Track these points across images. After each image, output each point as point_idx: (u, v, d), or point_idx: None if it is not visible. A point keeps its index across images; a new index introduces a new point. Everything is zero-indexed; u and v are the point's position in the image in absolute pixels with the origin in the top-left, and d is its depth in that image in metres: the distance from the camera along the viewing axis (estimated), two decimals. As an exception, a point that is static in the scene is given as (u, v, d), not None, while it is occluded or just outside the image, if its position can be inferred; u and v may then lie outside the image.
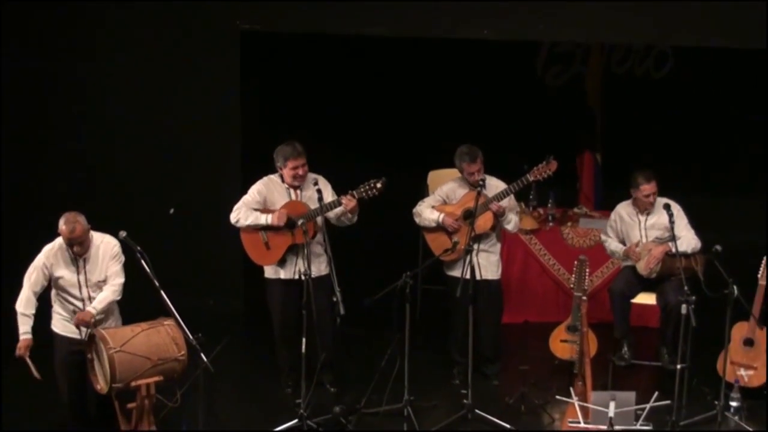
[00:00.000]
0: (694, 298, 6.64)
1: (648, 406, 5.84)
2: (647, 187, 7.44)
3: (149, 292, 6.16)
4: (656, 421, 6.39)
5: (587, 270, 6.97)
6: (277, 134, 7.35)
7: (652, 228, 7.53)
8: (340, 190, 6.99)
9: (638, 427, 5.85)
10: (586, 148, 9.43)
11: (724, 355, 6.97)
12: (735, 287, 6.59)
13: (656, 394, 5.91)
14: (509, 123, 9.56)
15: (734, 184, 9.66)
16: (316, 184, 6.92)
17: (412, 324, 6.74)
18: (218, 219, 7.26)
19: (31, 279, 6.29)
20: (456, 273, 7.07)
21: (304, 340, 6.65)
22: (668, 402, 6.41)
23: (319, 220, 6.96)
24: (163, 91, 8.43)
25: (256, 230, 7.00)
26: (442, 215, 7.27)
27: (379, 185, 6.88)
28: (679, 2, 7.67)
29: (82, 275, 6.28)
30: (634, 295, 7.69)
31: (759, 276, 7.05)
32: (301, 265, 6.89)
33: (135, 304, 6.51)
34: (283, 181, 7.01)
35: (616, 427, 5.77)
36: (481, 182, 7.08)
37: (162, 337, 6.21)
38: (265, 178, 7.07)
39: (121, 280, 6.31)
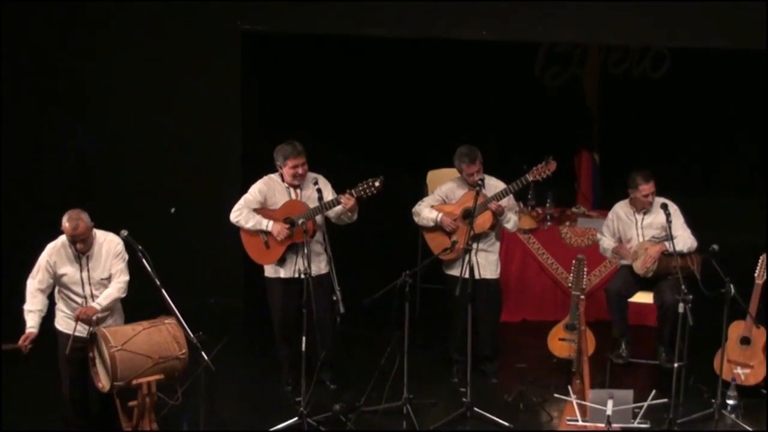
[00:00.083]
0: (691, 297, 6.67)
1: (645, 404, 5.85)
2: (646, 187, 7.47)
3: (150, 290, 6.19)
4: (654, 419, 6.39)
5: (585, 269, 6.99)
6: (277, 134, 7.36)
7: (649, 227, 7.57)
8: (339, 189, 7.01)
9: (636, 425, 5.86)
10: (584, 148, 9.46)
11: (721, 353, 6.99)
12: (732, 286, 6.62)
13: (654, 392, 5.93)
14: (508, 123, 9.58)
15: (731, 184, 9.68)
16: (316, 183, 6.94)
17: (411, 322, 6.75)
18: (219, 218, 7.27)
19: (36, 278, 6.30)
20: (455, 272, 7.09)
21: (304, 338, 6.67)
22: (666, 400, 6.43)
23: (319, 219, 6.98)
24: (164, 90, 8.45)
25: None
26: (440, 215, 7.30)
27: (377, 184, 6.90)
28: (677, 3, 7.69)
29: (85, 273, 6.29)
30: (631, 295, 7.71)
31: (756, 275, 7.08)
32: (301, 264, 6.89)
33: (136, 303, 6.52)
34: (283, 180, 7.03)
35: (614, 426, 5.81)
36: (480, 182, 7.11)
37: (163, 336, 6.22)
38: (265, 177, 7.09)
39: (126, 277, 6.32)
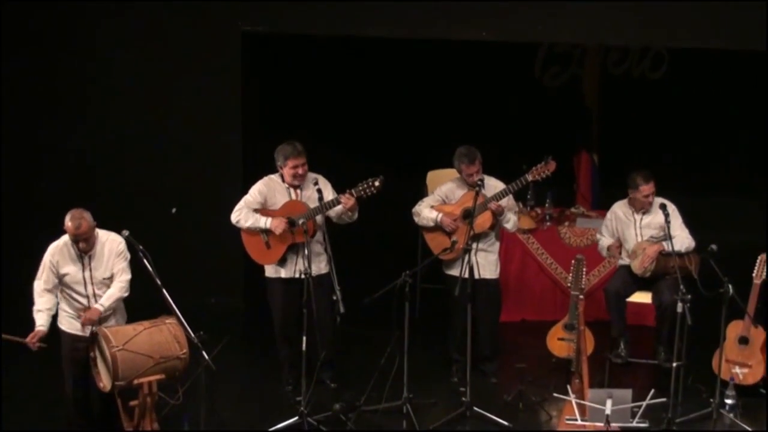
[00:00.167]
0: (689, 296, 6.69)
1: (644, 403, 5.86)
2: (646, 188, 7.49)
3: (151, 290, 6.21)
4: (652, 418, 6.40)
5: (584, 269, 7.01)
6: (277, 134, 7.38)
7: (647, 227, 7.59)
8: (339, 189, 7.02)
9: (635, 424, 5.87)
10: (583, 149, 9.48)
11: (719, 353, 7.00)
12: (730, 286, 6.64)
13: (652, 391, 5.94)
14: (508, 123, 9.58)
15: (729, 184, 9.68)
16: (316, 183, 6.96)
17: (411, 322, 6.77)
18: (219, 218, 7.28)
19: (42, 279, 6.32)
20: (455, 272, 7.10)
21: (304, 338, 6.68)
22: (664, 399, 6.45)
23: (319, 219, 6.99)
24: (164, 91, 8.45)
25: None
26: (440, 215, 7.31)
27: (377, 184, 6.92)
28: (676, 4, 7.70)
29: (87, 272, 6.31)
30: (629, 295, 7.74)
31: (754, 275, 7.10)
32: (301, 264, 6.92)
33: (137, 303, 6.53)
34: (283, 180, 7.05)
35: (613, 425, 5.83)
36: (479, 182, 7.13)
37: (164, 336, 6.24)
38: (265, 178, 7.11)
39: (127, 276, 6.34)
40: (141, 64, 8.45)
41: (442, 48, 9.00)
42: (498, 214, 7.22)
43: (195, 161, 8.55)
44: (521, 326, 8.58)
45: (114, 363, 6.06)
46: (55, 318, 6.42)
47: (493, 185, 7.26)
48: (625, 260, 7.71)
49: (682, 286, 6.75)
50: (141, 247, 6.23)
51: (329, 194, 7.01)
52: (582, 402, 6.00)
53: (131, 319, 6.51)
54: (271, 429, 6.75)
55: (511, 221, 7.35)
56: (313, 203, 6.94)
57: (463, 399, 6.97)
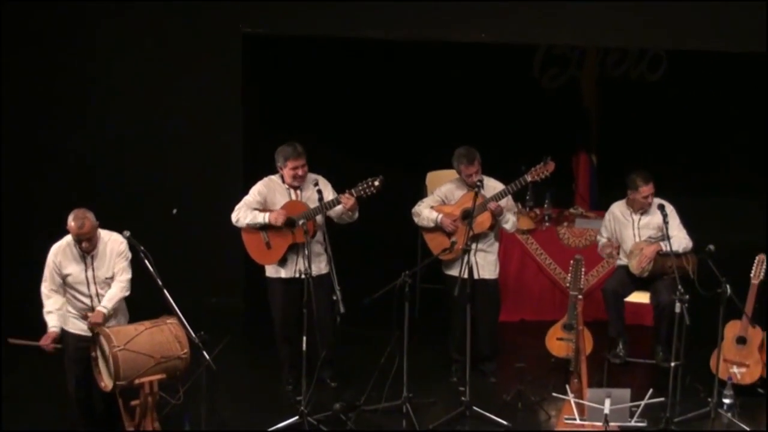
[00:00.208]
0: (687, 296, 6.70)
1: (643, 403, 5.88)
2: (646, 189, 7.51)
3: (153, 290, 6.24)
4: (651, 417, 6.39)
5: (583, 269, 7.03)
6: (277, 135, 7.41)
7: (645, 227, 7.62)
8: (340, 189, 7.04)
9: (633, 423, 5.89)
10: (582, 150, 9.50)
11: (717, 353, 7.05)
12: (728, 286, 6.67)
13: (651, 391, 5.95)
14: (507, 124, 9.57)
15: (727, 185, 9.69)
16: (316, 184, 6.98)
17: (410, 322, 6.79)
18: (220, 219, 7.29)
19: (47, 280, 6.34)
20: (454, 272, 7.13)
21: (304, 338, 6.70)
22: (662, 399, 6.44)
23: (319, 219, 7.02)
24: (165, 92, 8.46)
25: (257, 230, 7.06)
26: (440, 215, 7.34)
27: (377, 183, 6.95)
28: (674, 7, 7.73)
29: (90, 272, 6.32)
30: (627, 294, 7.76)
31: (752, 275, 7.13)
32: (301, 264, 6.94)
33: (138, 303, 6.54)
34: (283, 181, 7.08)
35: (612, 425, 5.85)
36: (479, 183, 7.15)
37: (165, 336, 6.25)
38: (265, 179, 7.14)
39: (128, 276, 6.36)
40: (142, 65, 8.46)
41: (442, 50, 9.03)
42: (497, 215, 7.24)
43: (196, 162, 8.56)
44: (520, 326, 8.59)
45: (115, 363, 6.07)
46: None
47: (493, 186, 7.28)
48: (622, 260, 7.74)
49: (680, 286, 6.77)
50: (142, 247, 6.25)
51: (329, 194, 7.04)
52: (581, 401, 6.02)
53: (133, 319, 6.53)
54: (271, 428, 6.76)
55: (510, 222, 7.37)
56: (313, 204, 6.96)
57: (463, 398, 6.99)
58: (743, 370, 7.20)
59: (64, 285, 6.35)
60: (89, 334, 6.33)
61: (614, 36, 8.14)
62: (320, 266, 7.05)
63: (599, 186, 9.48)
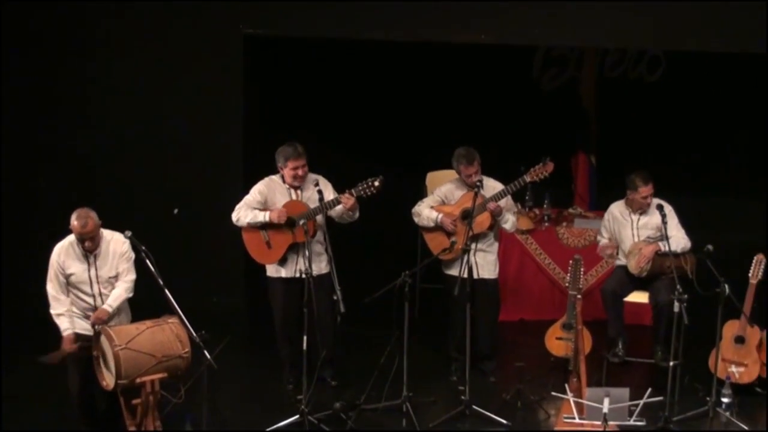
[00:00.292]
0: (686, 296, 6.73)
1: (641, 402, 5.91)
2: (645, 190, 7.54)
3: (154, 290, 6.26)
4: (649, 417, 6.43)
5: (582, 269, 7.06)
6: (278, 135, 7.41)
7: (644, 227, 7.64)
8: (340, 189, 7.06)
9: (632, 422, 5.92)
10: (580, 150, 9.51)
11: (715, 352, 7.07)
12: (726, 286, 6.70)
13: (649, 390, 6.00)
14: (506, 125, 9.58)
15: (726, 184, 9.70)
16: (317, 184, 7.00)
17: (410, 322, 6.81)
18: (221, 219, 7.30)
19: (53, 281, 6.36)
20: (454, 272, 7.15)
21: (305, 337, 6.72)
22: (661, 398, 6.51)
23: (320, 219, 7.04)
24: (167, 93, 8.47)
25: (257, 229, 7.08)
26: (440, 215, 7.36)
27: (376, 183, 6.97)
28: (674, 7, 7.74)
29: (93, 271, 6.35)
30: (626, 294, 7.77)
31: (750, 275, 7.14)
32: (301, 263, 6.96)
33: (140, 303, 6.57)
34: (284, 181, 7.10)
35: (610, 423, 5.87)
36: (478, 183, 7.18)
37: (166, 335, 6.28)
38: (266, 179, 7.16)
39: (132, 276, 6.39)
40: (143, 65, 8.47)
41: (442, 50, 9.03)
42: (496, 215, 7.26)
43: (197, 162, 8.57)
44: (520, 326, 8.61)
45: (117, 361, 6.10)
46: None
47: (492, 186, 7.30)
48: (621, 260, 7.76)
49: (678, 286, 6.79)
50: (143, 247, 6.27)
51: (330, 194, 7.06)
52: (580, 401, 6.04)
53: (134, 318, 6.56)
54: (272, 427, 6.78)
55: (509, 222, 7.39)
56: (314, 204, 6.98)
57: (462, 398, 7.01)
58: (741, 369, 7.22)
59: (68, 285, 6.37)
60: (92, 333, 6.34)
61: (613, 37, 8.15)
62: (321, 266, 7.07)
63: (598, 186, 9.49)
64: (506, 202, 7.33)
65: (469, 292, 7.00)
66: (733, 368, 7.21)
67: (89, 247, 6.29)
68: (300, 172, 7.02)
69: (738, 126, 9.62)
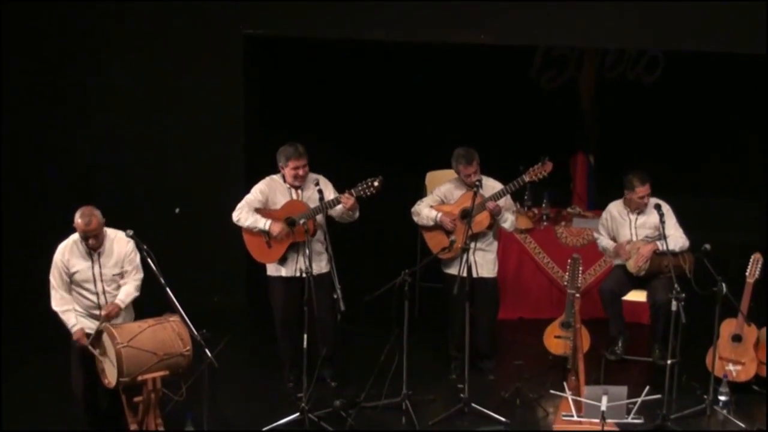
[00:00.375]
0: (684, 295, 6.76)
1: (639, 400, 5.94)
2: (642, 190, 7.56)
3: (155, 289, 6.29)
4: (647, 414, 6.49)
5: (580, 268, 7.07)
6: (278, 135, 7.44)
7: (642, 227, 7.67)
8: (340, 189, 7.09)
9: (630, 420, 5.95)
10: (579, 150, 9.54)
11: (713, 350, 7.10)
12: (723, 285, 6.72)
13: (647, 388, 6.03)
14: (505, 125, 9.59)
15: (723, 184, 9.73)
16: (317, 184, 7.03)
17: (410, 320, 6.82)
18: (222, 218, 7.31)
19: (57, 280, 6.37)
20: (453, 271, 7.18)
21: (305, 336, 6.74)
22: (659, 396, 6.53)
23: (320, 218, 7.07)
24: (167, 93, 8.49)
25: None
26: (439, 214, 7.38)
27: (376, 184, 7.00)
28: (672, 8, 7.75)
29: (97, 269, 6.37)
30: (624, 293, 7.81)
31: (747, 274, 7.17)
32: (302, 262, 6.99)
33: (142, 301, 6.58)
34: (284, 180, 7.13)
35: (608, 421, 5.90)
36: (477, 183, 7.21)
37: (168, 333, 6.30)
38: (267, 178, 7.18)
39: (141, 275, 6.42)
40: (144, 65, 8.48)
41: (441, 51, 9.05)
42: (496, 214, 7.29)
43: (198, 162, 8.59)
44: (518, 324, 8.64)
45: (119, 359, 6.12)
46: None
47: (491, 185, 7.33)
48: (620, 260, 7.79)
49: (676, 285, 6.82)
50: (145, 246, 6.30)
51: (330, 194, 7.09)
52: (578, 399, 6.05)
53: (136, 317, 6.57)
54: (272, 425, 6.80)
55: (508, 221, 7.42)
56: (314, 203, 7.01)
57: (462, 396, 7.03)
58: (739, 367, 7.25)
59: (71, 283, 6.39)
60: (92, 331, 6.37)
61: (612, 37, 8.17)
62: (321, 265, 7.09)
63: (597, 186, 9.51)
64: (505, 201, 7.36)
65: (468, 290, 7.03)
66: (731, 366, 7.24)
67: (93, 245, 6.31)
68: (301, 171, 7.05)
69: (736, 126, 9.64)
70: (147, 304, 6.56)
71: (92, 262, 6.38)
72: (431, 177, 8.67)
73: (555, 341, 7.47)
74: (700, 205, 9.30)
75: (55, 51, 8.50)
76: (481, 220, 7.27)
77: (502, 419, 6.94)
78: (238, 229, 7.18)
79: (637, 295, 7.89)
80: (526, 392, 7.23)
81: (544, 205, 8.90)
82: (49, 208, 8.48)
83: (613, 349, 7.83)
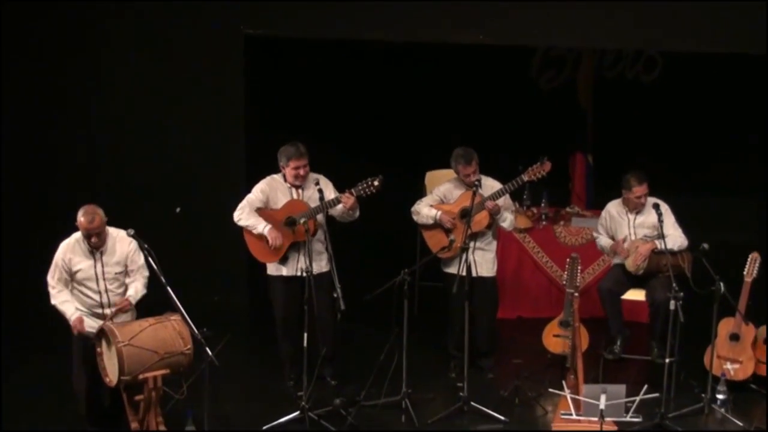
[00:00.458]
0: (682, 294, 6.78)
1: (638, 398, 5.97)
2: (639, 189, 7.59)
3: (157, 288, 6.32)
4: (646, 413, 6.53)
5: (579, 267, 7.08)
6: (279, 135, 7.45)
7: (640, 226, 7.69)
8: (340, 189, 7.11)
9: (628, 418, 5.99)
10: (578, 150, 9.55)
11: (711, 349, 7.12)
12: (721, 284, 6.74)
13: (645, 387, 6.07)
14: (505, 125, 9.60)
15: (721, 184, 9.74)
16: (317, 184, 7.05)
17: (410, 319, 6.85)
18: (222, 218, 7.34)
19: (55, 277, 6.40)
20: (453, 270, 7.20)
21: (305, 335, 6.76)
22: (657, 395, 6.58)
23: (320, 218, 7.09)
24: (169, 93, 8.50)
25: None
26: (439, 212, 7.39)
27: (376, 183, 7.02)
28: (670, 8, 7.76)
29: (99, 267, 6.40)
30: (623, 292, 7.83)
31: (745, 273, 7.20)
32: (302, 262, 7.01)
33: (143, 300, 6.59)
34: (285, 180, 7.15)
35: (607, 419, 5.93)
36: (477, 182, 7.23)
37: (169, 332, 6.33)
38: (268, 178, 7.20)
39: (147, 273, 6.43)
40: (145, 66, 8.49)
41: (441, 51, 9.05)
42: (495, 214, 7.31)
43: (198, 162, 8.59)
44: (517, 323, 8.65)
45: (120, 358, 6.14)
46: (62, 316, 6.48)
47: (490, 185, 7.35)
48: (618, 259, 7.82)
49: (674, 284, 6.84)
50: (146, 245, 6.33)
51: (330, 194, 7.11)
52: (577, 397, 6.09)
53: (137, 315, 6.57)
54: (272, 423, 6.82)
55: (507, 220, 7.44)
56: (314, 203, 7.03)
57: (461, 394, 7.05)
58: (736, 366, 7.27)
59: (74, 281, 6.41)
60: (94, 330, 6.39)
61: (610, 38, 8.18)
62: (321, 264, 7.12)
63: (595, 185, 9.51)
64: (504, 200, 7.39)
65: (467, 290, 7.05)
66: (728, 365, 7.27)
67: (95, 244, 6.33)
68: (302, 171, 7.07)
69: (734, 126, 9.65)
70: (148, 303, 6.58)
71: (95, 260, 6.40)
72: (431, 177, 8.69)
73: (554, 340, 7.49)
74: (699, 204, 9.30)
75: (56, 51, 8.51)
76: (481, 219, 7.29)
77: (501, 417, 6.96)
78: (238, 229, 7.20)
79: (635, 294, 7.91)
80: (525, 391, 7.25)
81: (542, 204, 8.92)
82: (49, 207, 8.50)
83: (612, 347, 7.85)
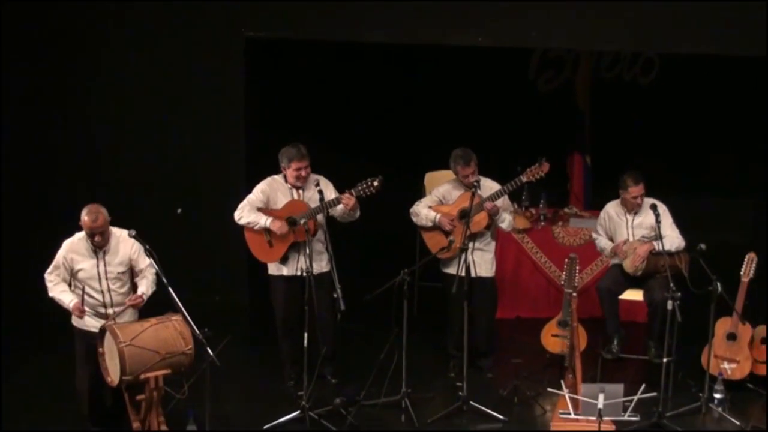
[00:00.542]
0: (679, 294, 6.81)
1: (635, 398, 5.99)
2: (635, 190, 7.62)
3: (158, 288, 6.36)
4: (643, 412, 6.54)
5: (577, 267, 7.10)
6: (279, 136, 7.47)
7: (638, 227, 7.73)
8: (340, 190, 7.13)
9: (626, 418, 6.00)
10: (576, 151, 9.57)
11: (708, 349, 7.15)
12: (718, 284, 6.77)
13: (643, 386, 6.08)
14: (503, 126, 9.59)
15: (719, 185, 9.73)
16: (317, 185, 7.08)
17: (409, 319, 6.87)
18: (223, 218, 7.36)
19: (54, 273, 6.41)
20: (452, 270, 7.23)
21: (305, 334, 6.79)
22: (655, 394, 6.59)
23: (321, 218, 7.11)
24: (169, 94, 8.51)
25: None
26: (438, 215, 7.43)
27: (376, 183, 7.04)
28: (668, 10, 7.77)
29: (102, 267, 6.41)
30: (621, 292, 7.85)
31: (742, 273, 7.23)
32: (303, 262, 7.03)
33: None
34: (286, 181, 7.18)
35: (605, 418, 5.96)
36: (475, 183, 7.26)
37: (170, 332, 6.34)
38: (268, 178, 7.23)
39: (154, 270, 6.42)
40: (145, 67, 8.50)
41: (440, 53, 9.04)
42: (493, 214, 7.33)
43: (199, 163, 8.61)
44: (516, 323, 8.67)
45: (122, 358, 6.16)
46: (67, 316, 6.51)
47: (489, 186, 7.37)
48: (616, 259, 7.85)
49: (672, 284, 6.86)
50: (147, 246, 6.34)
51: (330, 194, 7.13)
52: (575, 396, 6.10)
53: (139, 316, 6.60)
54: (273, 423, 6.84)
55: (506, 221, 7.47)
56: (315, 203, 7.05)
57: (460, 393, 7.07)
58: (734, 365, 7.30)
59: (76, 281, 6.42)
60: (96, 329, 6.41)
61: (608, 39, 8.18)
62: (321, 264, 7.14)
63: (593, 186, 9.52)
64: (503, 201, 7.41)
65: (466, 290, 7.06)
66: (726, 365, 7.30)
67: (99, 243, 6.34)
68: (303, 172, 7.09)
69: (731, 127, 9.67)
70: (149, 303, 6.58)
71: (97, 260, 6.41)
72: (430, 177, 8.71)
73: (552, 340, 7.51)
74: (696, 205, 9.28)
75: (56, 52, 8.51)
76: (479, 220, 7.32)
77: (500, 417, 6.99)
78: (239, 229, 7.22)
79: (633, 294, 7.92)
80: (523, 390, 7.27)
81: (541, 205, 8.94)
82: (49, 207, 8.51)
83: (610, 347, 7.88)
